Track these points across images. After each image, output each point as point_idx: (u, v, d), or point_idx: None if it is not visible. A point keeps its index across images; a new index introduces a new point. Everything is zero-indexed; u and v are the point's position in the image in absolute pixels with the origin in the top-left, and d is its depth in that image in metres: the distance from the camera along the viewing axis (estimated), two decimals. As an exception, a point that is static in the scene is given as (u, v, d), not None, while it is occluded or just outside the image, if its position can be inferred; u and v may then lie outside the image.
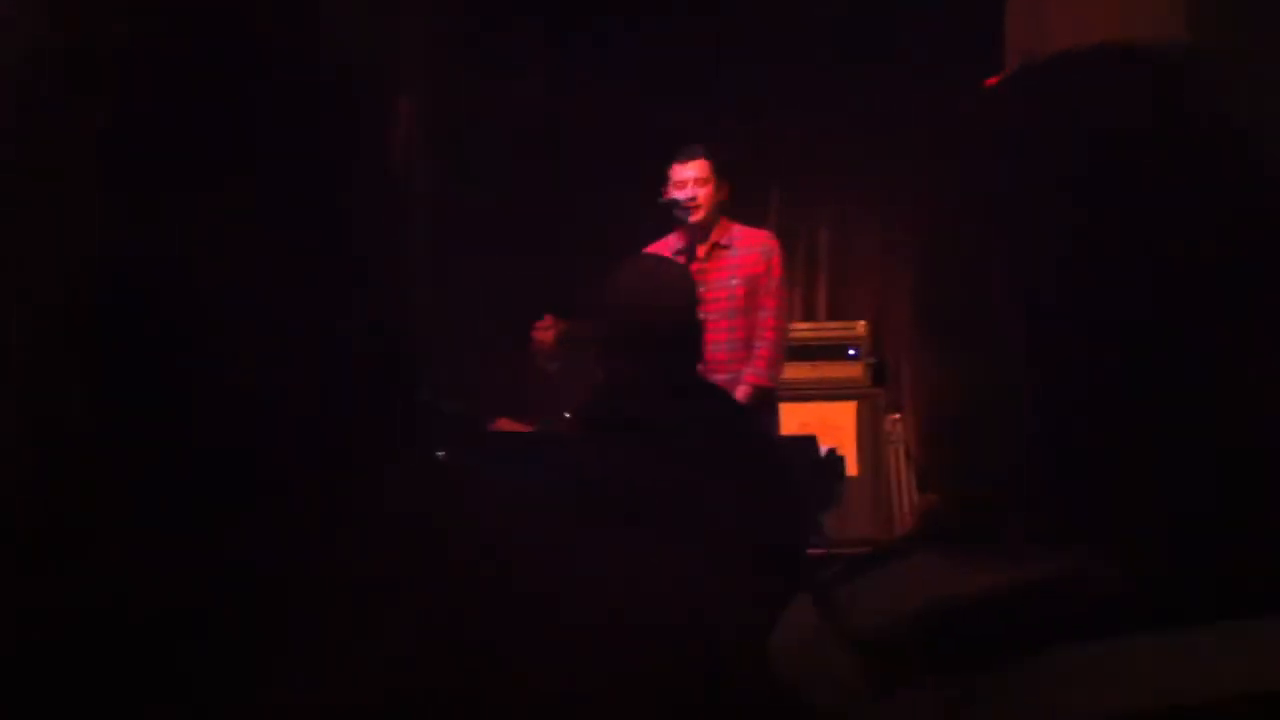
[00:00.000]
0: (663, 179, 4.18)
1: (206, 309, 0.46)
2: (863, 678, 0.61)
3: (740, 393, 3.99)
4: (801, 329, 5.73)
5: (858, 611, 0.63)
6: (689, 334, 2.35)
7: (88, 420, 0.45)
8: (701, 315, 2.50)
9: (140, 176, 0.46)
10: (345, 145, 0.50)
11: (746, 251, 4.13)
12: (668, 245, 4.13)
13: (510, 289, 6.11)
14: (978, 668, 0.58)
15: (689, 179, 4.08)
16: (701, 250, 4.11)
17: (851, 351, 5.61)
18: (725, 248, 4.13)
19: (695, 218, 4.06)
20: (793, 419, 4.77)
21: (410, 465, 0.52)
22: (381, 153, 0.52)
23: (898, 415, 4.96)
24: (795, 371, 4.95)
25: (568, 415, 4.89)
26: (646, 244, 4.16)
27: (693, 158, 4.10)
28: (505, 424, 5.57)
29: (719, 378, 3.94)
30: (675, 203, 4.07)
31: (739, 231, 4.19)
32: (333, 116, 0.50)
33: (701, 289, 4.02)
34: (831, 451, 4.24)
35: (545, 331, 6.02)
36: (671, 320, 2.28)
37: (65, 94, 0.46)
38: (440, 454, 0.62)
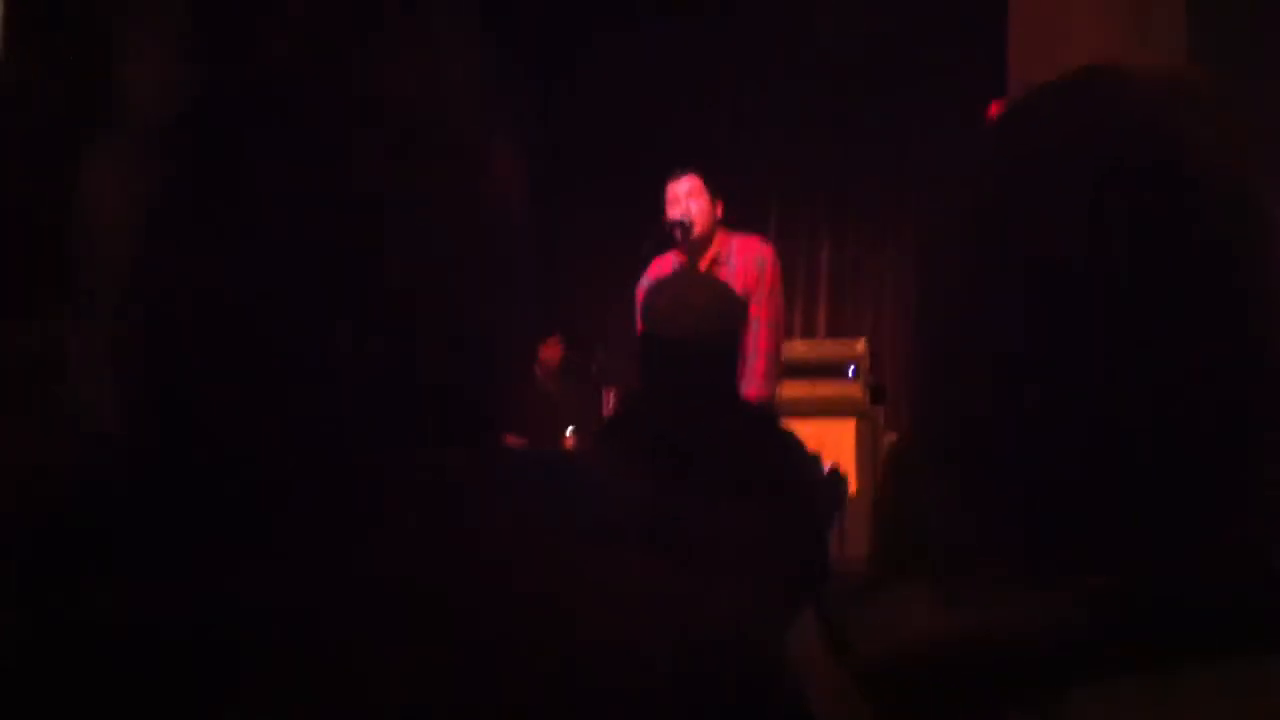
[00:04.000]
0: (661, 200, 4.20)
1: (244, 328, 0.47)
2: (864, 706, 0.61)
3: None
4: (800, 347, 5.73)
5: (857, 641, 0.64)
6: (726, 351, 2.31)
7: (131, 427, 0.46)
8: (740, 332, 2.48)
9: (219, 207, 0.47)
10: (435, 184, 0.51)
11: (743, 263, 4.13)
12: (667, 264, 4.14)
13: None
14: (971, 706, 0.58)
15: (681, 195, 4.11)
16: (701, 266, 4.12)
17: (851, 370, 5.61)
18: (724, 263, 4.13)
19: (695, 233, 4.08)
20: (792, 437, 4.78)
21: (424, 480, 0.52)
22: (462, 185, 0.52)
23: (896, 435, 4.96)
24: (794, 389, 4.95)
25: (569, 433, 4.91)
26: (647, 262, 4.18)
27: (683, 175, 4.14)
28: (509, 441, 5.58)
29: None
30: (674, 223, 4.09)
31: (736, 243, 4.20)
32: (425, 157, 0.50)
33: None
34: (835, 470, 4.25)
35: (551, 350, 6.04)
36: (709, 337, 2.25)
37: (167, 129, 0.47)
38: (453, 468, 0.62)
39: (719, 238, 4.17)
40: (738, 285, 4.12)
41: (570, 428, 4.93)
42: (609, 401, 4.61)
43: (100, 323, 0.47)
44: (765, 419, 2.62)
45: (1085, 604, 0.58)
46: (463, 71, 0.53)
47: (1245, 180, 0.63)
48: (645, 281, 3.99)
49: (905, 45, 6.36)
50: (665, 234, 4.12)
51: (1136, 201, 0.62)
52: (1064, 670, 0.58)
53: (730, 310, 2.36)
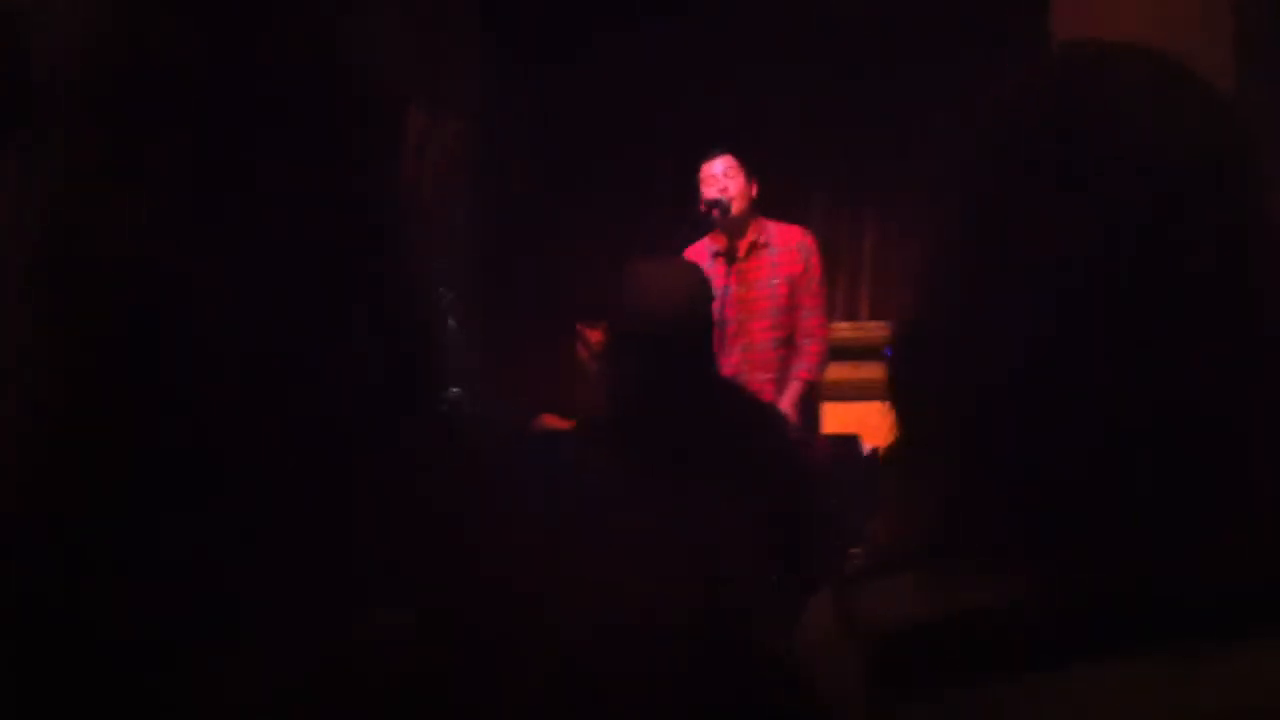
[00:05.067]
0: (693, 186, 4.16)
1: (217, 313, 0.46)
2: (874, 682, 0.62)
3: (792, 389, 3.98)
4: (843, 329, 5.70)
5: (864, 622, 0.65)
6: (698, 335, 2.28)
7: (117, 417, 0.46)
8: (720, 316, 2.40)
9: (159, 182, 0.46)
10: (364, 153, 0.50)
11: (784, 249, 4.10)
12: (705, 248, 4.10)
13: (556, 287, 6.12)
14: (973, 682, 0.60)
15: (718, 174, 4.07)
16: (742, 249, 4.10)
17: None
18: (764, 246, 4.10)
19: (734, 212, 4.04)
20: (834, 419, 4.76)
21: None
22: (400, 161, 0.52)
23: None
24: (836, 372, 4.93)
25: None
26: (684, 244, 4.15)
27: (719, 155, 4.09)
28: (550, 420, 5.59)
29: (763, 376, 3.93)
30: (712, 203, 4.04)
31: (775, 229, 4.15)
32: (353, 125, 0.50)
33: (743, 289, 4.00)
34: (875, 451, 4.23)
35: (594, 331, 6.03)
36: (679, 320, 2.22)
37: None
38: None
39: (758, 222, 4.14)
40: (781, 271, 4.10)
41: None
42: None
43: (24, 320, 0.46)
44: (743, 395, 2.59)
45: (1076, 589, 0.59)
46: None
47: (1247, 178, 0.63)
48: None
49: (952, 24, 6.30)
50: (701, 216, 4.08)
51: (1138, 200, 0.62)
52: (1056, 652, 0.59)
53: (696, 290, 2.33)
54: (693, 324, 2.26)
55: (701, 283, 2.38)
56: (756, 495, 2.00)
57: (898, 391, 0.72)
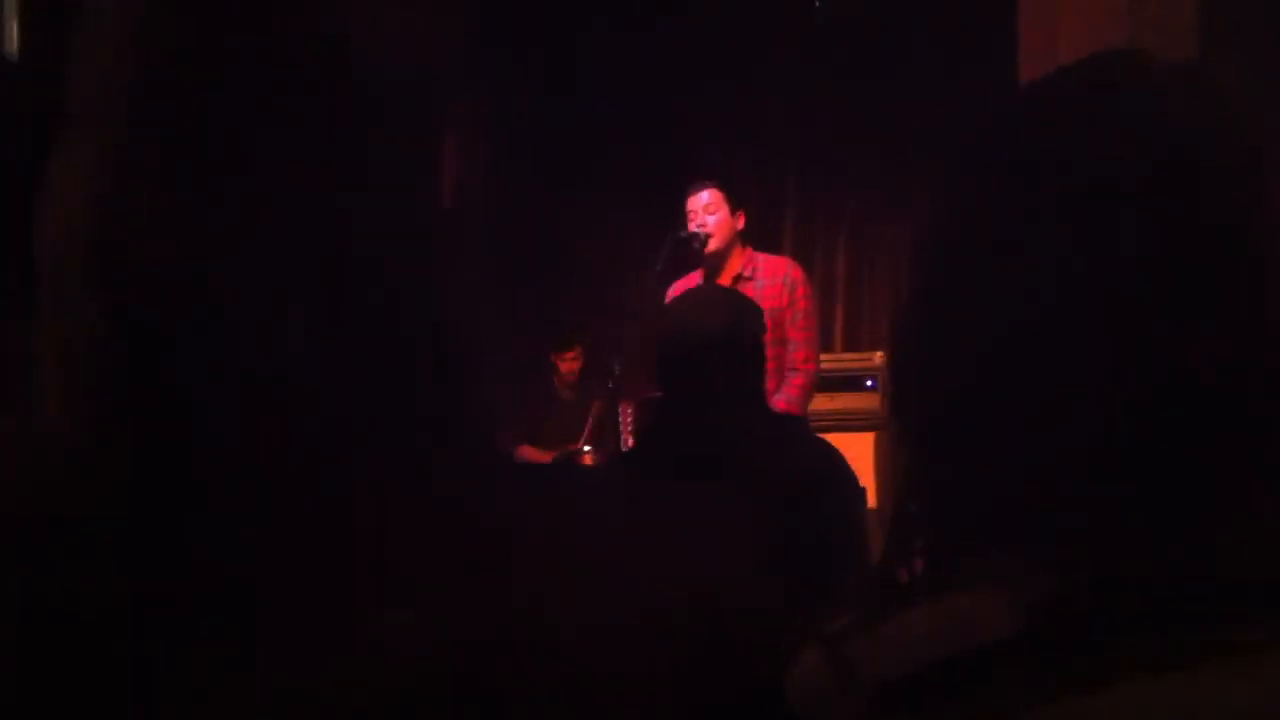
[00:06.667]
0: (676, 209, 4.17)
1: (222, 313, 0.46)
2: None
3: None
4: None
5: (868, 665, 0.63)
6: (748, 360, 2.24)
7: (150, 416, 0.46)
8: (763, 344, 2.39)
9: (200, 183, 0.46)
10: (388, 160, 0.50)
11: (770, 282, 4.08)
12: (691, 282, 4.10)
13: (524, 315, 6.11)
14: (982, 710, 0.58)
15: (699, 209, 4.05)
16: (725, 282, 4.09)
17: (869, 383, 5.60)
18: (749, 279, 4.08)
19: (710, 247, 4.03)
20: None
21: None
22: (422, 169, 0.52)
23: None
24: (813, 403, 4.95)
25: (587, 449, 4.90)
26: (663, 276, 4.14)
27: (703, 188, 4.08)
28: (527, 452, 5.58)
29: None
30: (689, 237, 4.05)
31: (763, 261, 4.14)
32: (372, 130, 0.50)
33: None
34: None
35: (571, 362, 6.03)
36: (728, 346, 2.19)
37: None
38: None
39: (743, 254, 4.13)
40: (765, 305, 4.09)
41: (587, 445, 4.91)
42: (626, 415, 4.59)
43: (67, 320, 0.46)
44: (796, 425, 2.56)
45: (1084, 596, 0.58)
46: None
47: (1251, 177, 0.63)
48: (671, 299, 3.95)
49: (919, 44, 6.34)
50: (682, 245, 4.09)
51: (1140, 198, 0.62)
52: (1067, 666, 0.58)
53: (748, 318, 2.32)
54: (741, 352, 2.23)
55: (754, 311, 2.36)
56: (790, 524, 1.97)
57: (897, 392, 0.71)
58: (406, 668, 0.46)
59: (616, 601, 0.50)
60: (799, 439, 2.34)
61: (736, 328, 2.26)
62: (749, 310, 2.38)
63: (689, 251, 4.06)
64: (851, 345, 6.63)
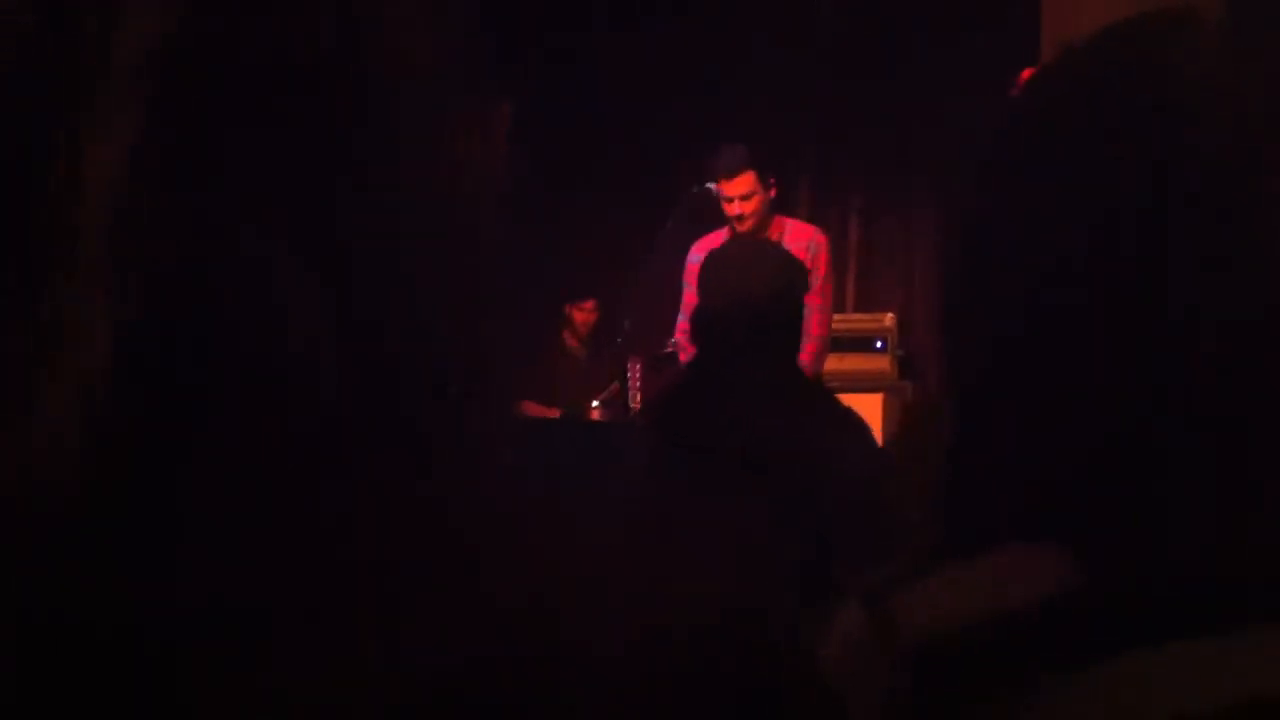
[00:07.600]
0: (693, 174, 4.16)
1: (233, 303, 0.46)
2: (913, 692, 0.61)
3: None
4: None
5: (904, 626, 0.63)
6: (795, 318, 2.19)
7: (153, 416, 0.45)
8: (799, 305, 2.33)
9: (219, 172, 0.46)
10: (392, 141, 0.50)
11: (795, 247, 4.08)
12: (715, 240, 4.10)
13: (535, 269, 6.12)
14: (1024, 680, 0.58)
15: (735, 196, 4.03)
16: (751, 245, 4.08)
17: (879, 344, 5.59)
18: (775, 243, 4.10)
19: (745, 227, 4.02)
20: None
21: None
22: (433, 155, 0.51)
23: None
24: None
25: (596, 404, 4.91)
26: (681, 232, 4.14)
27: (737, 172, 4.03)
28: (531, 408, 5.59)
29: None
30: (731, 218, 4.04)
31: (790, 227, 4.16)
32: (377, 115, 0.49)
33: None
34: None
35: (588, 314, 6.03)
36: (776, 301, 2.15)
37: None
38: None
39: (774, 221, 4.12)
40: (787, 266, 4.09)
41: (596, 400, 4.92)
42: (634, 371, 4.59)
43: (101, 293, 0.46)
44: (824, 393, 2.55)
45: (1100, 581, 0.59)
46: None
47: (1261, 173, 0.61)
48: (695, 256, 3.94)
49: (936, 9, 6.31)
50: (702, 201, 4.07)
51: (1141, 195, 0.61)
52: (1090, 645, 0.58)
53: (793, 277, 2.28)
54: (790, 309, 2.18)
55: (801, 270, 2.32)
56: (825, 495, 1.94)
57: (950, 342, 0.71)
58: (407, 669, 0.45)
59: (624, 606, 0.50)
60: (825, 399, 2.33)
61: (787, 284, 2.22)
62: (797, 268, 2.34)
63: (709, 208, 4.06)
64: (863, 306, 6.61)
